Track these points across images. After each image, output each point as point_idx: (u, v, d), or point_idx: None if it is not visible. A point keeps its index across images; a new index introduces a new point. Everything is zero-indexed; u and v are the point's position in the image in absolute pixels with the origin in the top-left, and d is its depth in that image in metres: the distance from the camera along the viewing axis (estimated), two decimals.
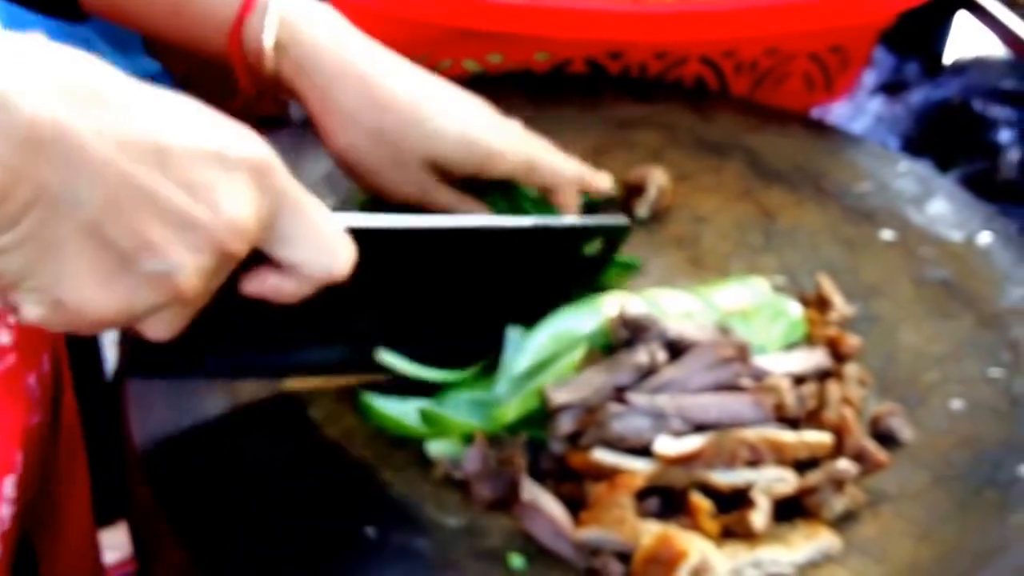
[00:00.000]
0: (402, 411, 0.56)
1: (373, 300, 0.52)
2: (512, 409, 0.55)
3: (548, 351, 0.58)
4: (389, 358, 0.55)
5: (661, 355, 0.55)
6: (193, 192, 0.39)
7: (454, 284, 0.55)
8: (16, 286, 0.38)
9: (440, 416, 0.55)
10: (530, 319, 0.58)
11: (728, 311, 0.59)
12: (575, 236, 0.58)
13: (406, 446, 0.56)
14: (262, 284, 0.44)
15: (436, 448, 0.55)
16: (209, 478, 0.52)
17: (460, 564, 0.50)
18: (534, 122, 0.68)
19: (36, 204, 0.36)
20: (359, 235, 0.46)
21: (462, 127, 0.61)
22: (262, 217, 0.42)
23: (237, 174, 0.41)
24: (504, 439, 0.54)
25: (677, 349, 0.55)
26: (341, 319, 0.52)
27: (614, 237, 0.60)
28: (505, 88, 0.81)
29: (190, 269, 0.40)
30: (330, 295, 0.45)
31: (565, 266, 0.59)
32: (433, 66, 0.83)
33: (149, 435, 0.54)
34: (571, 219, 0.63)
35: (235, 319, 0.46)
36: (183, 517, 0.51)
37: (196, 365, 0.52)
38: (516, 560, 0.50)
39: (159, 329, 0.42)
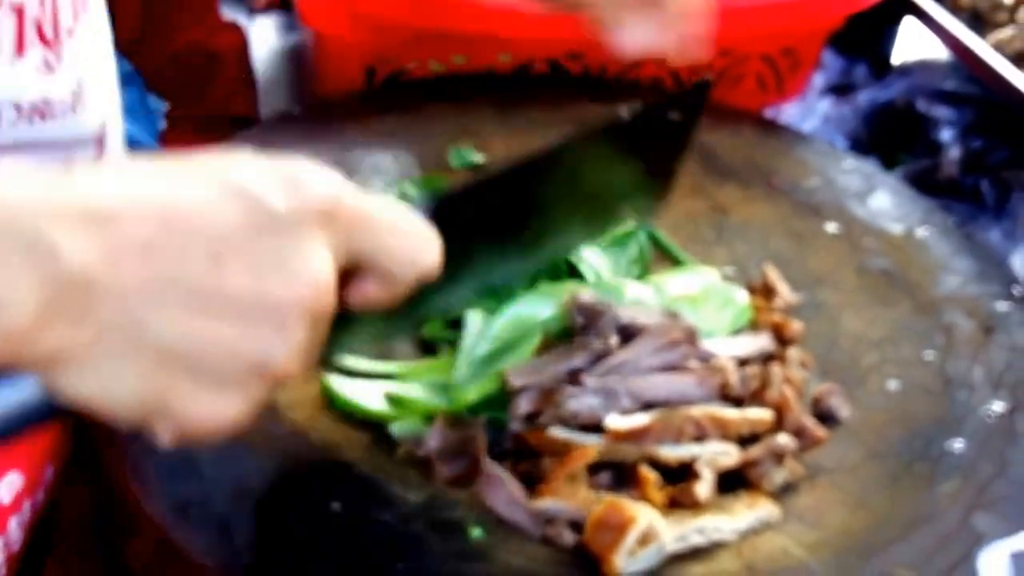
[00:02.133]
0: (365, 394, 0.59)
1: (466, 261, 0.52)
2: (473, 391, 0.58)
3: (507, 336, 0.61)
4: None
5: (613, 339, 0.58)
6: (260, 276, 0.37)
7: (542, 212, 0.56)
8: (142, 421, 0.38)
9: (404, 398, 0.58)
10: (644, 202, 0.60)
11: (677, 297, 0.62)
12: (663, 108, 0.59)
13: (369, 428, 0.58)
14: (365, 296, 0.42)
15: (399, 428, 0.58)
16: (177, 460, 0.55)
17: (422, 536, 0.53)
18: (498, 122, 0.70)
19: (112, 351, 0.35)
20: (438, 213, 0.45)
21: None
22: (340, 256, 0.40)
23: (302, 230, 0.38)
24: (465, 419, 0.57)
25: (629, 333, 0.58)
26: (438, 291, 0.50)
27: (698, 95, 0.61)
28: (469, 89, 0.84)
29: (285, 351, 0.38)
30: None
31: (661, 140, 0.60)
32: (400, 67, 0.86)
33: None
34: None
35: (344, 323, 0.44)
36: (154, 495, 0.53)
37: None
38: (475, 531, 0.53)
39: (277, 389, 0.40)
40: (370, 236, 0.41)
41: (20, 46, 0.48)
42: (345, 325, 0.42)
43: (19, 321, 0.33)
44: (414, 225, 0.43)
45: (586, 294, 0.60)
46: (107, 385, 0.36)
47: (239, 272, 0.36)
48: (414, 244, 0.43)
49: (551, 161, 0.55)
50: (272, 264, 0.37)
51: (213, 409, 0.38)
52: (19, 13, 0.47)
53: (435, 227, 0.44)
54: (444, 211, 0.46)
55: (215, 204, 0.37)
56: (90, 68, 0.53)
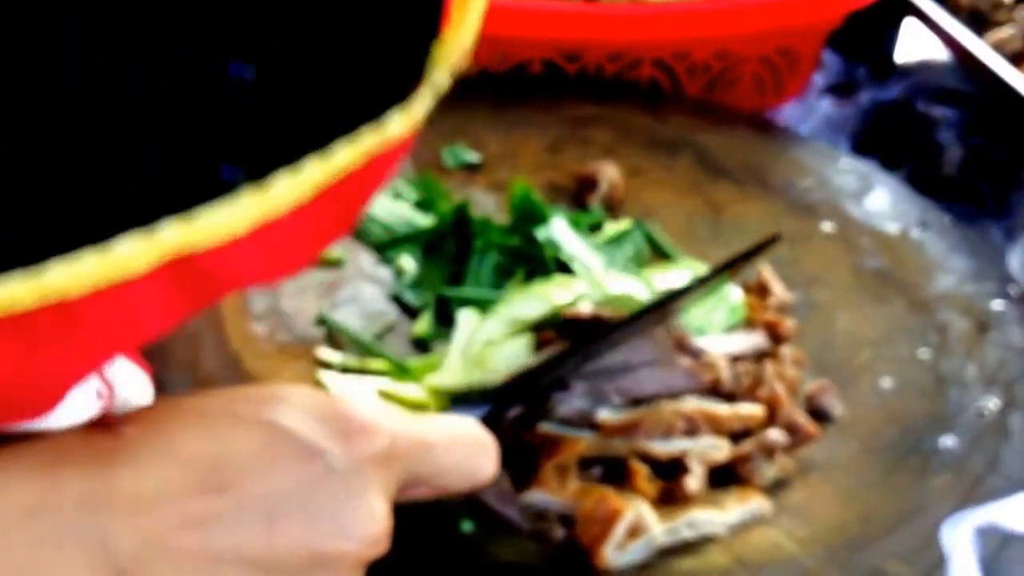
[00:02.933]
0: (358, 391, 0.59)
1: None
2: (449, 379, 0.58)
3: (497, 335, 0.61)
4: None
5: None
6: (317, 532, 0.35)
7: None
8: None
9: (395, 395, 0.59)
10: None
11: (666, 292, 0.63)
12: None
13: None
14: (413, 498, 0.41)
15: None
16: None
17: (412, 529, 0.53)
18: (493, 121, 0.71)
19: None
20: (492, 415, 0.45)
21: None
22: (397, 489, 0.38)
23: (358, 480, 0.36)
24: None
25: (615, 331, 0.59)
26: None
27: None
28: (464, 88, 0.84)
29: None
30: None
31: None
32: None
33: None
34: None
35: None
36: None
37: None
38: (466, 524, 0.53)
39: None
40: (429, 462, 0.39)
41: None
42: None
43: None
44: (470, 439, 0.41)
45: (583, 307, 0.60)
46: None
47: (294, 530, 0.35)
48: (472, 460, 0.41)
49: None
50: (328, 519, 0.35)
51: None
52: None
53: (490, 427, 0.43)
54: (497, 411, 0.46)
55: (265, 458, 0.35)
56: None
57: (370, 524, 0.36)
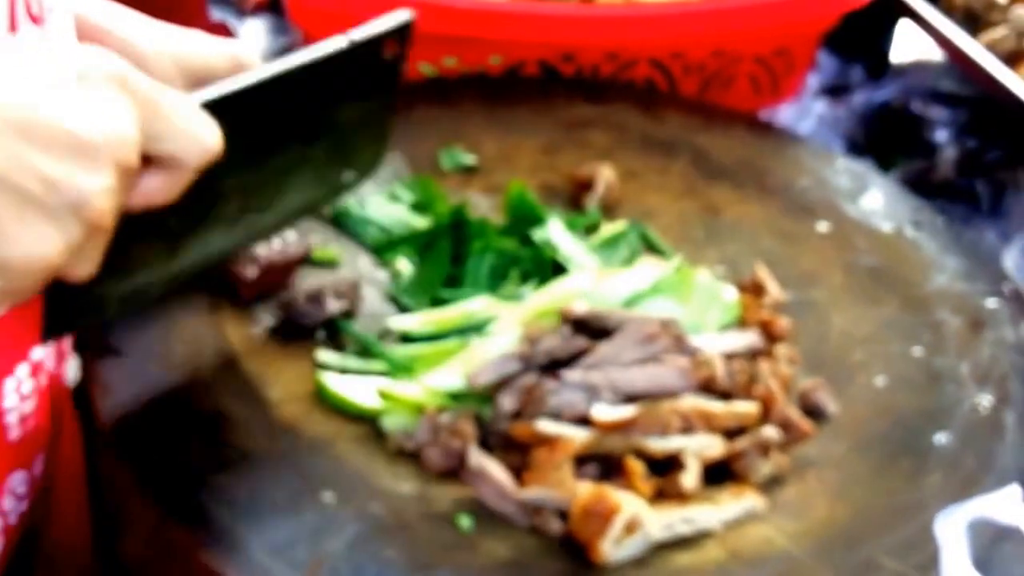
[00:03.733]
0: (357, 390, 0.60)
1: (238, 171, 0.54)
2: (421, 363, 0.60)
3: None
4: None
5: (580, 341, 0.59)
6: (74, 114, 0.41)
7: (290, 133, 0.58)
8: None
9: (394, 394, 0.59)
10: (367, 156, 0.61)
11: (656, 288, 0.63)
12: (377, 42, 0.60)
13: (361, 423, 0.59)
14: (148, 189, 0.46)
15: (390, 422, 0.59)
16: (169, 456, 0.56)
17: (412, 525, 0.53)
18: (488, 123, 0.71)
19: None
20: (215, 107, 0.49)
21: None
22: (137, 120, 0.44)
23: (104, 88, 0.43)
24: (453, 413, 0.57)
25: (608, 329, 0.59)
26: (215, 201, 0.54)
27: (404, 34, 0.61)
28: (460, 90, 0.85)
29: (99, 190, 0.42)
30: (202, 183, 0.48)
31: (374, 78, 0.61)
32: None
33: (114, 410, 0.57)
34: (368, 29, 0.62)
35: (122, 242, 0.47)
36: (151, 479, 0.54)
37: (102, 304, 0.52)
38: (464, 521, 0.54)
39: (85, 266, 0.44)
40: (157, 116, 0.45)
41: (12, 23, 0.49)
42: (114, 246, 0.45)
43: None
44: (197, 112, 0.47)
45: (579, 306, 0.60)
46: None
47: (56, 108, 0.41)
48: (197, 128, 0.46)
49: (294, 84, 0.56)
50: (83, 107, 0.42)
51: (35, 242, 0.41)
52: None
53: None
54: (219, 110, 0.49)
55: (39, 59, 0.42)
56: (71, 43, 0.54)
57: (118, 119, 0.43)
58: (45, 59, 0.43)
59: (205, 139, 0.47)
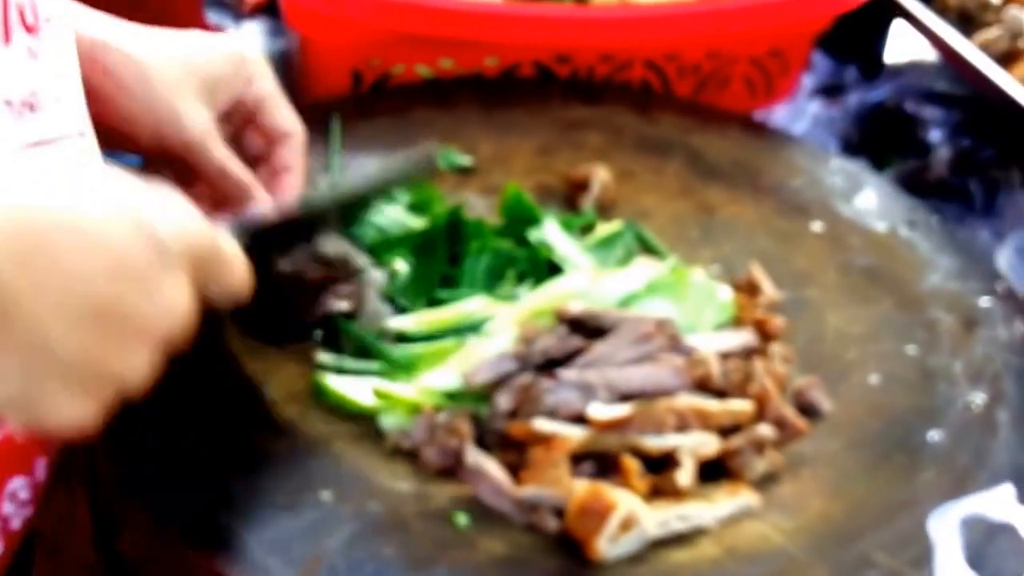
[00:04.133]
0: (355, 390, 0.60)
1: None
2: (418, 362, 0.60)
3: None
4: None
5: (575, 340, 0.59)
6: (145, 311, 0.42)
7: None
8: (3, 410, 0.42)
9: (391, 393, 0.60)
10: None
11: (651, 288, 0.64)
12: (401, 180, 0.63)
13: (359, 422, 0.59)
14: None
15: (388, 421, 0.59)
16: (167, 455, 0.56)
17: (409, 523, 0.54)
18: (485, 124, 0.72)
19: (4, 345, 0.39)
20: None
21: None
22: (195, 293, 0.45)
23: (177, 269, 0.43)
24: (450, 412, 0.58)
25: (604, 329, 0.60)
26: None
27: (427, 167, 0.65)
28: (456, 92, 0.85)
29: (144, 369, 0.43)
30: None
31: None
32: (387, 71, 0.88)
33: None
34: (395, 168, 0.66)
35: None
36: (150, 479, 0.55)
37: None
38: (461, 518, 0.54)
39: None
40: (212, 280, 0.46)
41: (7, 33, 0.49)
42: None
43: None
44: (242, 264, 0.48)
45: (575, 306, 0.61)
46: None
47: (135, 303, 0.42)
48: (241, 281, 0.48)
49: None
50: (156, 300, 0.42)
51: (71, 411, 0.42)
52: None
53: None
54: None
55: (117, 225, 0.41)
56: (69, 54, 0.54)
57: (183, 308, 0.43)
58: (132, 235, 0.42)
59: (241, 291, 0.49)
